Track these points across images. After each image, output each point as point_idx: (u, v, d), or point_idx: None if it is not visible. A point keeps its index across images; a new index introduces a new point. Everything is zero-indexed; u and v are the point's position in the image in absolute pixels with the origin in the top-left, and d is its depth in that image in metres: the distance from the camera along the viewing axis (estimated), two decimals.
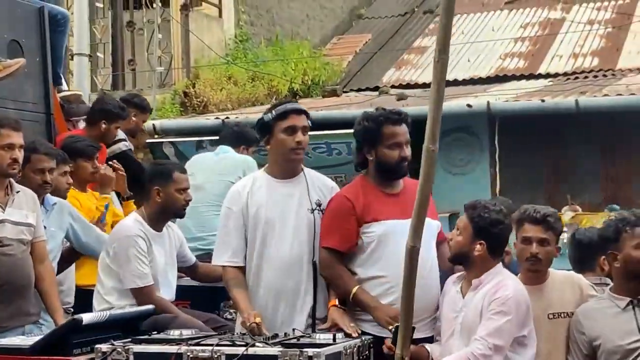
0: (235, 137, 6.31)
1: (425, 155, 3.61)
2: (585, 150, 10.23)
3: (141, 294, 4.71)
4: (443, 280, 4.31)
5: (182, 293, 5.06)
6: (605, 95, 9.80)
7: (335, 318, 4.19)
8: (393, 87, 12.44)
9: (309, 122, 4.39)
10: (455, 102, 9.91)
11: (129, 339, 3.94)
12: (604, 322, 4.08)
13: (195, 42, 12.07)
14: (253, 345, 3.71)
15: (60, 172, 5.18)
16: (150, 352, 3.81)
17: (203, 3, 12.95)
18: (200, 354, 3.71)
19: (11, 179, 4.62)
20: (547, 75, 12.10)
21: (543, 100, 9.76)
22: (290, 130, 4.29)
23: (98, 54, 11.57)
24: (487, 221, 4.07)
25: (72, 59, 9.62)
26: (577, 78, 11.60)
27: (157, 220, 4.89)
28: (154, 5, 11.73)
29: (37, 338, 4.04)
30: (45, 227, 4.78)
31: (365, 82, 13.09)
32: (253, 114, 10.74)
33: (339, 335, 3.89)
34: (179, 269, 5.08)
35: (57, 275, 4.91)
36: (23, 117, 5.30)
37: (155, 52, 11.68)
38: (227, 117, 10.52)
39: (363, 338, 4.03)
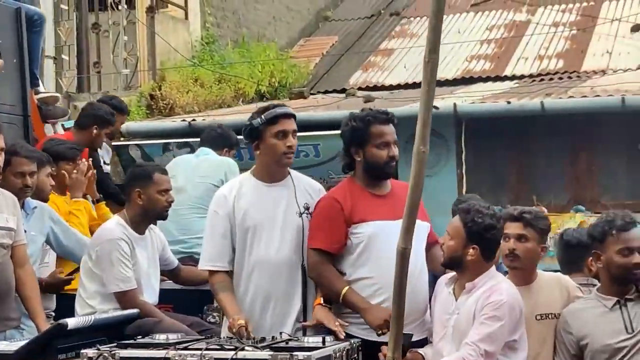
0: (218, 139, 6.30)
1: (415, 156, 3.61)
2: (550, 152, 10.30)
3: (124, 298, 4.68)
4: (433, 281, 4.30)
5: (165, 296, 5.02)
6: (570, 96, 9.88)
7: (321, 317, 4.18)
8: (360, 89, 12.46)
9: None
10: None
11: (114, 344, 3.90)
12: (591, 321, 4.09)
13: (161, 44, 12.00)
14: (242, 349, 3.68)
15: (44, 173, 5.13)
16: (138, 357, 3.77)
17: (169, 5, 12.87)
18: (188, 359, 3.68)
19: None
20: (513, 77, 12.18)
21: (509, 102, 9.82)
22: (282, 135, 4.28)
23: (63, 56, 11.47)
24: (481, 226, 4.04)
25: None
26: (542, 80, 11.68)
27: (140, 223, 4.86)
28: (120, 7, 11.65)
29: (21, 343, 3.98)
30: (25, 231, 4.71)
31: (332, 84, 13.09)
32: (220, 116, 10.71)
33: (328, 339, 3.87)
34: (161, 272, 5.05)
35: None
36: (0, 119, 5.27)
37: (120, 54, 11.59)
38: (194, 120, 10.47)
39: (352, 341, 4.01)
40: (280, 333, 4.05)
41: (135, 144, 10.00)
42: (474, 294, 4.02)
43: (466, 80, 12.26)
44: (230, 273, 4.30)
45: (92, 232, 5.38)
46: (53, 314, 5.09)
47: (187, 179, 5.91)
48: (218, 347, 3.76)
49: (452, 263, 4.11)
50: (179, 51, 12.42)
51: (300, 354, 3.60)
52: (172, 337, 3.95)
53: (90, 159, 5.98)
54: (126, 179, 5.02)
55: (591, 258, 4.55)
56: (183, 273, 5.15)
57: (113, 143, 10.00)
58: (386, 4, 15.63)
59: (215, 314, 5.01)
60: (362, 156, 4.28)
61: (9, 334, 4.47)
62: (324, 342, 3.81)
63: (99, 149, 6.40)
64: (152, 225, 5.00)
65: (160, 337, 3.96)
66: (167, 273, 5.17)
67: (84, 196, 5.73)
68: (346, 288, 4.17)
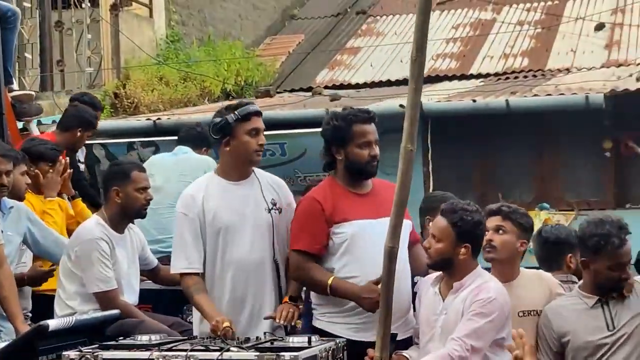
0: (198, 138, 6.26)
1: (403, 154, 3.60)
2: (515, 150, 10.35)
3: (105, 298, 4.63)
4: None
5: (144, 296, 4.98)
6: (535, 95, 9.93)
7: (277, 309, 4.20)
8: (326, 87, 12.45)
9: None
10: (388, 103, 9.94)
11: (96, 345, 3.84)
12: (572, 318, 4.10)
13: (125, 43, 11.91)
14: (228, 350, 3.64)
15: (19, 171, 5.06)
16: (121, 358, 3.72)
17: (133, 3, 12.78)
18: None
19: None
20: (478, 76, 12.22)
21: (474, 101, 9.85)
22: (254, 132, 4.27)
23: (26, 54, 11.33)
24: (471, 224, 4.02)
25: None
26: (507, 78, 11.74)
27: (119, 222, 4.81)
28: (83, 5, 11.55)
29: (1, 345, 3.91)
30: (2, 231, 4.65)
31: (299, 83, 13.07)
32: (185, 115, 10.65)
33: (314, 338, 3.83)
34: (141, 272, 5.01)
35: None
36: None
37: (84, 53, 11.50)
38: (159, 118, 10.40)
39: (337, 340, 3.98)
40: (265, 333, 4.03)
41: (99, 143, 9.88)
42: (461, 293, 3.99)
43: (432, 78, 12.28)
44: (202, 275, 4.26)
45: (71, 230, 5.35)
46: (30, 314, 5.02)
47: (165, 178, 5.87)
48: (203, 348, 3.72)
49: (441, 265, 4.06)
50: (144, 49, 12.34)
51: (287, 355, 3.56)
52: (155, 338, 3.90)
53: (68, 158, 5.94)
54: (104, 178, 4.97)
55: (570, 255, 4.58)
56: (162, 273, 5.09)
57: None
58: (352, 2, 15.63)
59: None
60: (343, 155, 4.26)
61: None
62: (309, 342, 3.77)
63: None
64: (131, 225, 4.95)
65: (143, 338, 3.90)
66: (147, 273, 5.11)
67: (59, 194, 5.69)
68: (332, 278, 4.14)
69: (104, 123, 10.62)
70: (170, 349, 3.71)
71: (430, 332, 4.05)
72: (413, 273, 4.35)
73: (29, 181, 5.24)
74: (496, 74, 12.13)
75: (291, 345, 3.75)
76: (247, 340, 3.84)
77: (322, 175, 7.38)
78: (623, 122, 9.79)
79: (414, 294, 4.32)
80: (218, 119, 4.29)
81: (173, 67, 12.49)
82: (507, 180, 10.39)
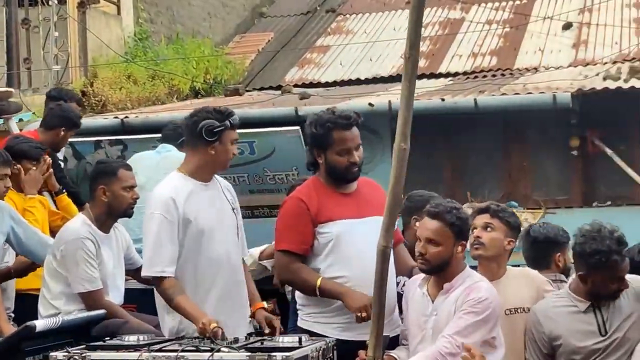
0: (182, 136, 6.21)
1: (396, 153, 3.60)
2: (484, 148, 10.40)
3: (90, 298, 4.60)
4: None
5: (128, 296, 4.94)
6: (503, 94, 9.97)
7: (259, 319, 4.25)
8: (296, 85, 12.42)
9: None
10: (357, 101, 9.94)
11: (83, 346, 3.80)
12: (564, 322, 4.10)
13: (93, 40, 11.82)
14: (219, 351, 3.62)
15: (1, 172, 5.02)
16: (110, 359, 3.70)
17: (101, 0, 12.68)
18: None
19: None
20: (447, 75, 12.26)
21: (443, 99, 9.88)
22: (235, 142, 4.35)
23: None
24: (465, 221, 4.04)
25: None
26: (476, 77, 11.78)
27: (105, 221, 4.78)
28: (50, 3, 11.44)
29: None
30: None
31: (268, 81, 13.04)
32: (153, 114, 10.59)
33: (304, 338, 3.82)
34: (125, 272, 4.97)
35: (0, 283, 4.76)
36: None
37: (51, 51, 11.37)
38: (127, 117, 10.33)
39: (327, 340, 3.98)
40: (251, 333, 4.03)
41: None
42: (452, 293, 3.99)
43: (401, 77, 12.26)
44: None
45: (56, 227, 5.34)
46: (12, 314, 4.99)
47: (148, 175, 5.81)
48: (193, 348, 3.69)
49: (440, 268, 4.02)
50: (112, 47, 12.25)
51: (279, 355, 3.54)
52: (143, 339, 3.87)
53: (49, 157, 5.92)
54: (90, 176, 4.92)
55: (559, 254, 4.59)
56: None
57: None
58: (322, 0, 15.62)
59: None
60: (323, 159, 4.27)
61: None
62: (300, 341, 3.75)
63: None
64: (116, 224, 4.91)
65: (131, 339, 3.87)
66: (132, 272, 5.06)
67: (40, 192, 5.66)
68: (320, 279, 4.15)
69: None
70: (160, 350, 3.68)
71: (421, 334, 4.04)
72: (396, 274, 4.34)
73: (9, 184, 5.18)
74: (464, 73, 12.17)
75: (281, 345, 3.73)
76: (236, 340, 3.82)
77: (291, 174, 7.39)
78: (590, 121, 9.87)
79: (399, 295, 4.31)
80: (215, 122, 4.27)
81: (141, 65, 12.41)
82: (476, 179, 10.44)
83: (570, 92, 9.53)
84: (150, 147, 7.42)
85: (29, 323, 3.92)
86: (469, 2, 14.21)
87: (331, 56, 13.43)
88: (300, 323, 4.32)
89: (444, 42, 13.20)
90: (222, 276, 4.25)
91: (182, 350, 3.64)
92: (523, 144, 10.39)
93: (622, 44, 11.87)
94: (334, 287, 4.14)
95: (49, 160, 5.70)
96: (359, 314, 4.03)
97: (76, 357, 3.67)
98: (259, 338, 3.90)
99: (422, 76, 12.31)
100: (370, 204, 4.18)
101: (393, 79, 12.28)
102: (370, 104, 9.76)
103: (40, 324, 3.91)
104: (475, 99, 9.76)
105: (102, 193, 4.75)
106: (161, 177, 5.79)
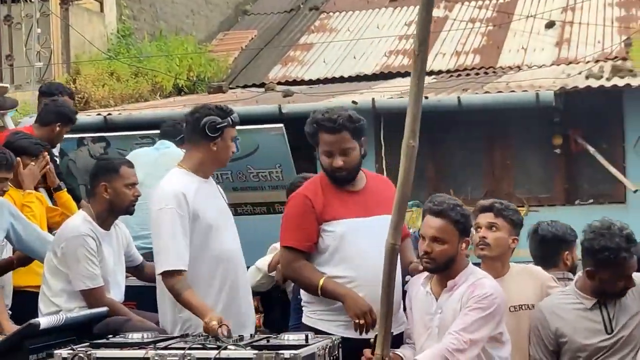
0: (181, 133, 6.19)
1: (405, 150, 3.58)
2: (467, 146, 10.43)
3: (91, 296, 4.56)
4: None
5: (128, 293, 4.90)
6: (486, 92, 10.00)
7: None
8: (279, 83, 12.42)
9: None
10: (340, 99, 9.95)
11: (87, 343, 3.76)
12: (570, 319, 4.11)
13: (75, 37, 11.77)
14: (225, 348, 3.59)
15: (0, 177, 5.00)
16: (115, 357, 3.65)
17: None
18: (169, 358, 3.56)
19: None
20: (430, 73, 12.25)
21: (426, 97, 9.85)
22: (234, 139, 4.36)
23: None
24: (468, 217, 4.04)
25: None
26: (459, 75, 11.80)
27: (106, 219, 4.74)
28: None
29: None
30: None
31: (252, 79, 13.02)
32: (136, 111, 10.56)
33: (310, 336, 3.79)
34: (126, 269, 4.93)
35: None
36: None
37: (33, 47, 11.33)
38: (110, 114, 10.30)
39: (333, 338, 3.95)
40: (256, 331, 4.04)
41: None
42: (456, 291, 3.97)
43: (385, 75, 12.31)
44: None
45: (53, 223, 5.35)
46: (10, 312, 4.93)
47: (147, 172, 5.78)
48: (200, 346, 3.66)
49: (446, 266, 4.01)
50: (95, 44, 12.21)
51: (287, 352, 3.51)
52: (147, 336, 3.83)
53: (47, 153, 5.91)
54: (91, 173, 4.88)
55: (567, 252, 4.58)
56: (147, 269, 4.98)
57: None
58: None
59: None
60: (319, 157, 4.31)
61: None
62: (307, 339, 3.72)
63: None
64: (116, 221, 4.88)
65: (135, 336, 3.83)
66: (132, 269, 5.03)
67: (36, 188, 5.65)
68: (323, 278, 4.13)
69: None
70: (166, 347, 3.64)
71: (427, 332, 4.03)
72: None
73: (7, 188, 5.17)
74: (448, 71, 12.19)
75: (286, 343, 3.69)
76: (242, 338, 3.80)
77: (275, 171, 7.38)
78: (573, 120, 9.91)
79: (404, 292, 4.29)
80: (217, 119, 4.27)
81: (124, 62, 12.37)
82: (459, 177, 10.47)
83: (553, 91, 9.56)
84: (133, 144, 7.42)
85: (32, 321, 3.86)
86: (453, 1, 14.24)
87: (315, 54, 13.42)
88: (304, 320, 4.30)
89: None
90: (230, 272, 4.27)
91: (189, 348, 3.60)
92: (506, 142, 10.42)
93: (604, 43, 11.92)
94: (336, 288, 4.12)
95: (47, 156, 5.69)
96: (356, 321, 4.02)
97: (81, 354, 3.63)
98: (265, 336, 3.87)
99: (406, 74, 12.34)
100: (379, 202, 4.12)
101: (376, 77, 12.29)
102: (353, 102, 9.77)
103: (44, 322, 3.85)
104: (458, 97, 9.78)
105: (104, 190, 4.72)
106: (160, 173, 5.77)
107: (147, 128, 8.13)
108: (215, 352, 3.56)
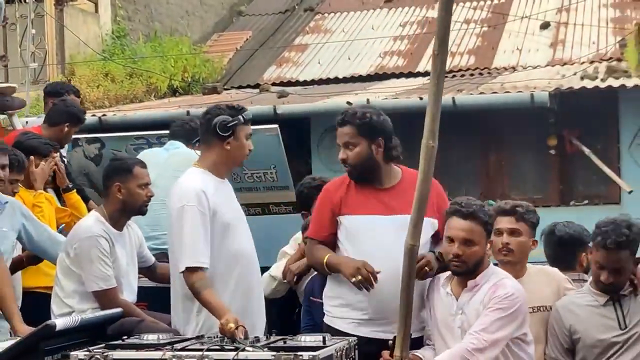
0: (191, 133, 6.19)
1: (424, 151, 3.60)
2: (462, 147, 10.42)
3: (104, 297, 4.55)
4: None
5: (139, 294, 4.89)
6: (481, 93, 9.99)
7: None
8: (274, 84, 12.41)
9: None
10: (335, 100, 9.94)
11: (103, 345, 3.74)
12: (584, 316, 4.13)
13: (70, 38, 11.76)
14: (243, 350, 3.57)
15: (11, 178, 5.00)
16: (132, 358, 3.64)
17: None
18: None
19: None
20: (425, 74, 12.24)
21: (421, 98, 9.87)
22: (249, 137, 4.37)
23: None
24: (491, 218, 4.06)
25: None
26: (454, 76, 11.80)
27: (119, 219, 4.73)
28: (27, 0, 11.38)
29: (6, 344, 3.78)
30: None
31: (246, 80, 13.01)
32: (131, 111, 10.54)
33: (327, 337, 3.79)
34: (138, 270, 4.92)
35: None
36: None
37: (28, 48, 11.32)
38: (104, 115, 10.28)
39: (349, 339, 3.95)
40: (271, 332, 3.99)
41: None
42: (477, 292, 3.97)
43: (380, 76, 12.32)
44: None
45: (65, 225, 5.36)
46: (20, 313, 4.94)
47: (158, 173, 5.77)
48: (218, 347, 3.64)
49: (475, 268, 4.01)
50: (89, 45, 12.20)
51: (306, 354, 3.49)
52: (163, 338, 3.81)
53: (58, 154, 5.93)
54: (104, 173, 4.88)
55: (584, 253, 4.59)
56: (159, 270, 4.99)
57: None
58: None
59: None
60: None
61: None
62: (324, 341, 3.71)
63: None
64: (129, 222, 4.87)
65: (150, 337, 3.81)
66: (144, 270, 5.03)
67: (44, 189, 5.65)
68: (327, 255, 4.21)
69: None
70: (183, 349, 3.63)
71: (449, 333, 4.02)
72: None
73: (17, 191, 5.20)
74: None
75: (303, 344, 3.68)
76: (258, 339, 3.80)
77: (269, 172, 7.37)
78: (567, 120, 9.91)
79: None
80: (228, 118, 4.29)
81: (119, 63, 12.36)
82: (454, 177, 10.45)
83: (547, 92, 9.56)
84: (127, 145, 7.39)
85: (48, 322, 3.82)
86: None
87: (309, 55, 13.42)
88: (325, 319, 4.37)
89: (422, 41, 13.21)
90: (245, 272, 4.30)
91: (207, 350, 3.59)
92: (501, 142, 10.42)
93: (599, 44, 11.93)
94: (334, 260, 4.21)
95: (57, 156, 5.69)
96: (353, 280, 4.04)
97: (98, 356, 3.61)
98: (281, 337, 3.85)
99: (400, 75, 12.35)
100: (407, 201, 4.07)
101: (371, 77, 12.29)
102: (348, 103, 9.76)
103: (60, 323, 3.80)
104: (453, 98, 9.77)
105: (117, 190, 4.70)
106: (170, 173, 5.78)
107: (142, 129, 8.11)
108: (234, 353, 3.55)
